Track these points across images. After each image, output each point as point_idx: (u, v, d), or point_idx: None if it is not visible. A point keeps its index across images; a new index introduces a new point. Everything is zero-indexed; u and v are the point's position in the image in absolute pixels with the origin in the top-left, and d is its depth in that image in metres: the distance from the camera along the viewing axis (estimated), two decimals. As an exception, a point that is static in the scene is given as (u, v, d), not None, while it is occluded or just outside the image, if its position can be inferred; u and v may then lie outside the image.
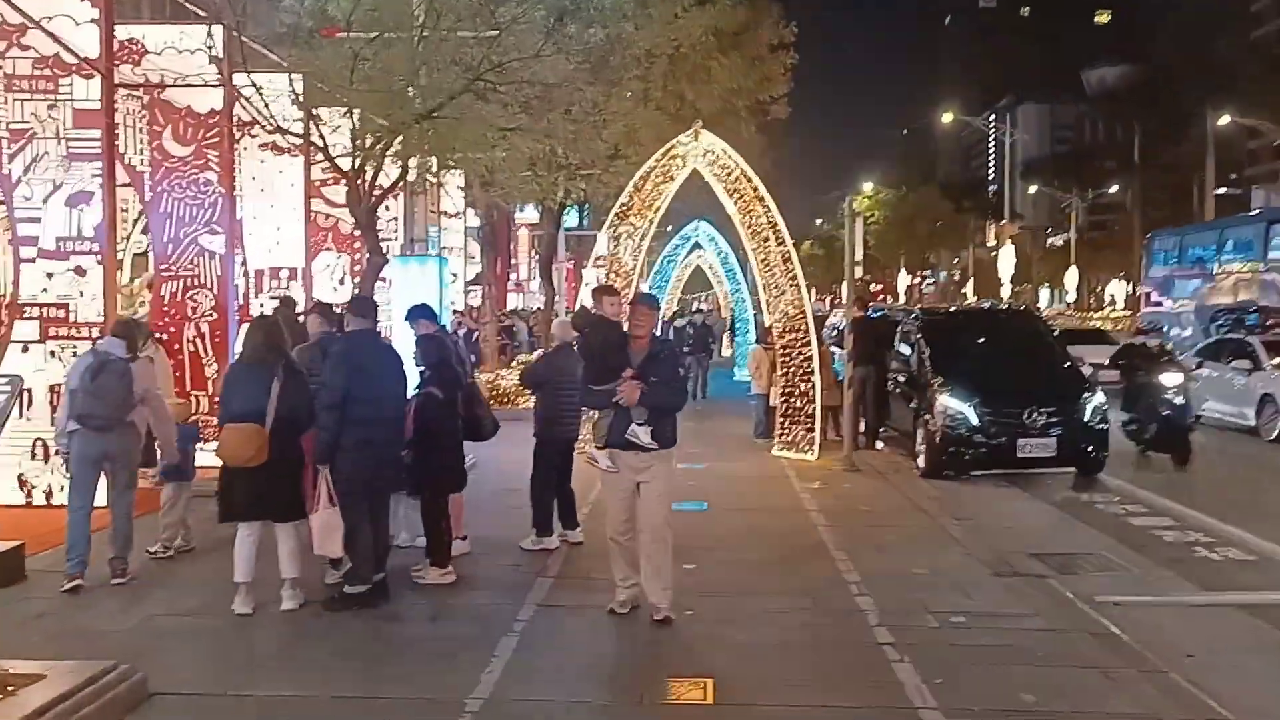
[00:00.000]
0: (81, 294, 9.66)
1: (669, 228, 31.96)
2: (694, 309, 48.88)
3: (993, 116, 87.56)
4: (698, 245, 29.35)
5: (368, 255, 11.02)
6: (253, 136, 12.41)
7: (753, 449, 13.65)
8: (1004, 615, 6.50)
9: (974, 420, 11.65)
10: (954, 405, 11.83)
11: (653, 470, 6.21)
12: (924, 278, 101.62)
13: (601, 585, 7.01)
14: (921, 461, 12.27)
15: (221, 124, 11.72)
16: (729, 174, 13.66)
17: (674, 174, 14.08)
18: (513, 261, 44.68)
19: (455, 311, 18.10)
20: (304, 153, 11.71)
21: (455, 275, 21.78)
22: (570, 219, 42.30)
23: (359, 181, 10.66)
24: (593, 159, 12.20)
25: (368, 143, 10.31)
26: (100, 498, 7.10)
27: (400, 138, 10.31)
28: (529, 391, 9.11)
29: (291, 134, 10.76)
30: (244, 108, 11.16)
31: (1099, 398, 11.99)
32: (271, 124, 10.77)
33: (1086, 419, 11.72)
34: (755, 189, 13.48)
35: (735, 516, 9.41)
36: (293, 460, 6.41)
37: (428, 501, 7.14)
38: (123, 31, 11.36)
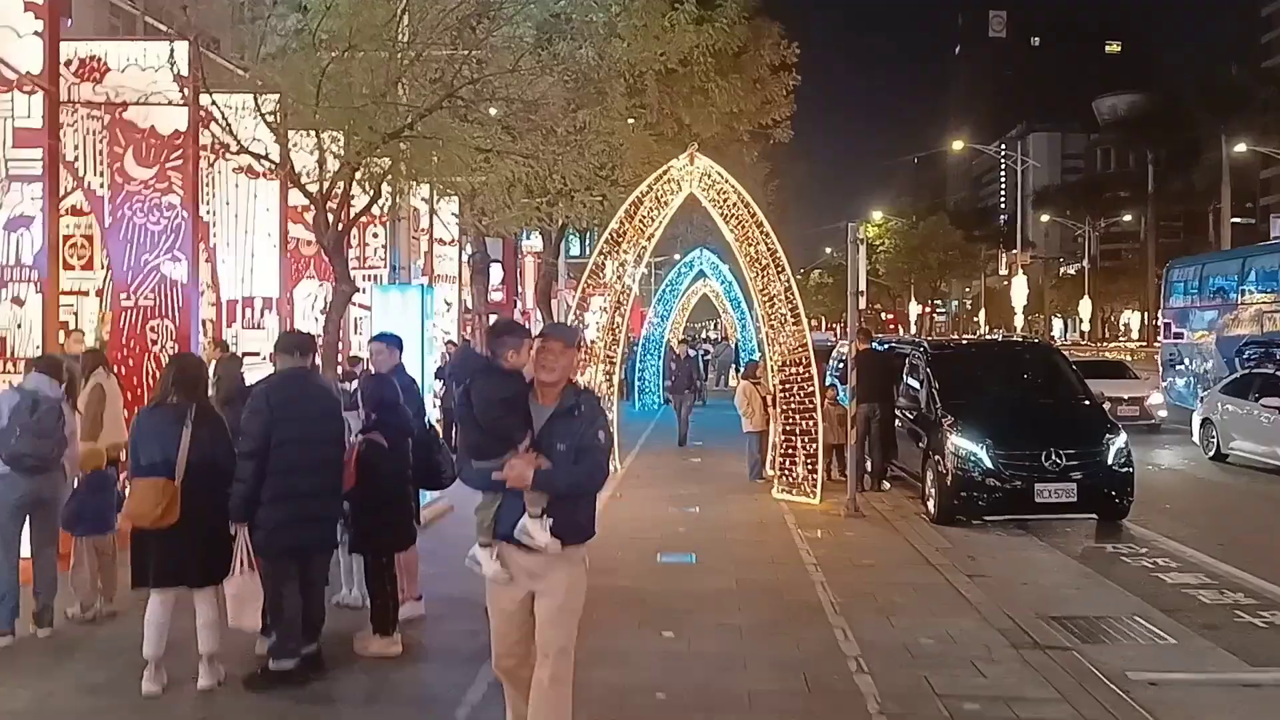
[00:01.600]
0: (20, 325, 8.96)
1: (676, 255, 31.36)
2: (704, 337, 48.30)
3: (1003, 146, 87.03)
4: (702, 273, 28.68)
5: (336, 285, 10.29)
6: (226, 160, 11.75)
7: (751, 491, 12.83)
8: (1023, 700, 5.65)
9: (987, 462, 10.82)
10: (966, 446, 11.01)
11: (553, 579, 4.37)
12: (935, 307, 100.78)
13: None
14: (931, 506, 11.43)
15: (186, 145, 11.08)
16: (725, 199, 12.94)
17: (669, 199, 13.40)
18: (519, 290, 44.14)
19: (448, 342, 17.35)
20: (279, 177, 11.02)
21: (450, 304, 21.10)
22: (574, 247, 41.79)
23: (326, 205, 9.97)
24: (576, 181, 11.44)
25: (332, 164, 9.62)
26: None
27: (367, 159, 9.61)
28: None
29: (256, 155, 10.06)
30: (210, 130, 10.50)
31: (1122, 438, 11.15)
32: (237, 145, 10.11)
33: (1110, 461, 10.88)
34: (754, 215, 12.75)
35: (725, 570, 8.58)
36: (211, 517, 5.64)
37: (370, 562, 6.36)
38: (84, 49, 10.80)
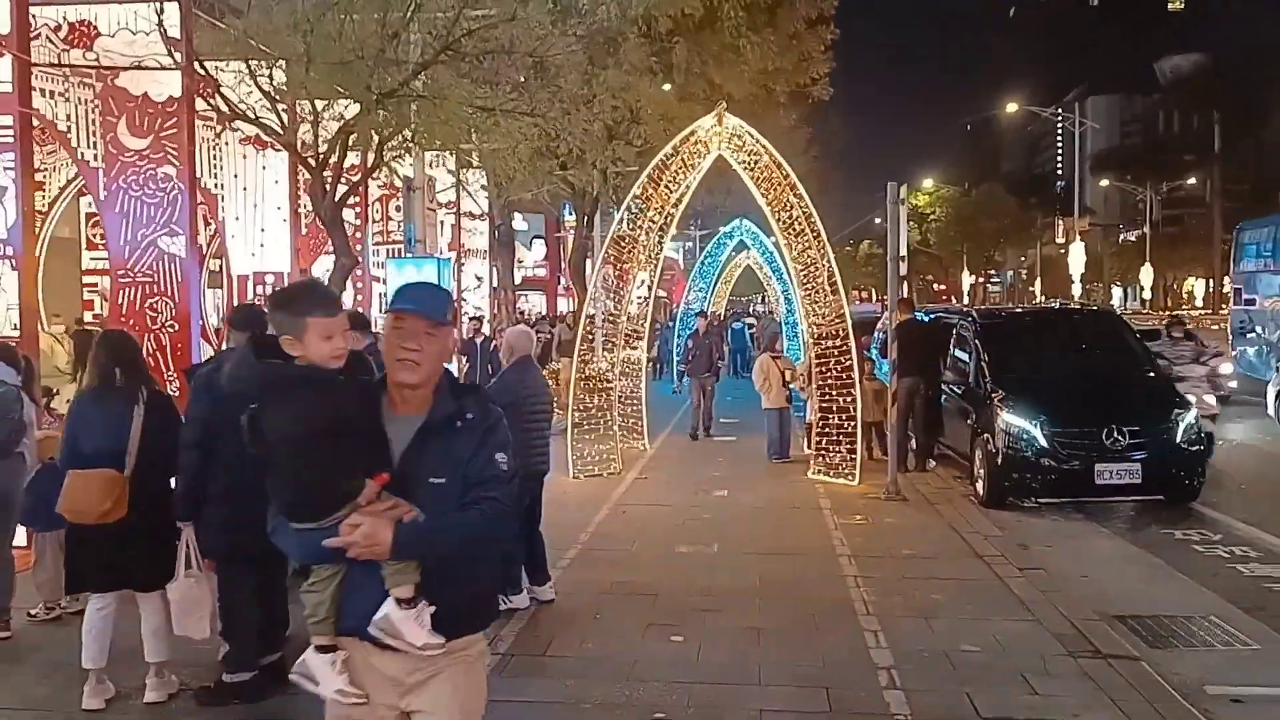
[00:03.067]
0: (-4, 305, 8.47)
1: (721, 229, 30.38)
2: (749, 311, 47.28)
3: (1059, 110, 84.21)
4: (744, 244, 27.78)
5: (334, 257, 9.67)
6: (232, 130, 11.14)
7: (786, 473, 12.03)
8: (1083, 724, 4.86)
9: (1042, 441, 9.91)
10: (1018, 423, 10.12)
11: (436, 693, 2.78)
12: (988, 277, 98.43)
13: (561, 666, 5.57)
14: (980, 488, 10.57)
15: (180, 112, 10.50)
16: (756, 161, 12.10)
17: (696, 162, 12.58)
18: (563, 265, 43.46)
19: (472, 318, 16.74)
20: (288, 147, 10.36)
21: (480, 279, 20.49)
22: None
23: (322, 173, 9.34)
24: (588, 141, 10.63)
25: (330, 128, 8.98)
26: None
27: (362, 119, 8.93)
28: None
29: (246, 118, 9.43)
30: (205, 98, 9.88)
31: (1192, 414, 10.18)
32: (229, 111, 9.51)
33: (1178, 439, 9.91)
34: (787, 177, 11.90)
35: (749, 563, 7.84)
36: (159, 514, 5.03)
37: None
38: (73, 13, 10.25)
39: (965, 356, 12.02)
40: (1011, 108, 50.88)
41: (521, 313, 17.03)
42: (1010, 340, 11.80)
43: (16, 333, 8.25)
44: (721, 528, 8.98)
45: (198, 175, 12.95)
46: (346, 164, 10.28)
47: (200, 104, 10.27)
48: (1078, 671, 5.49)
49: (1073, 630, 6.12)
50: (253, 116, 9.41)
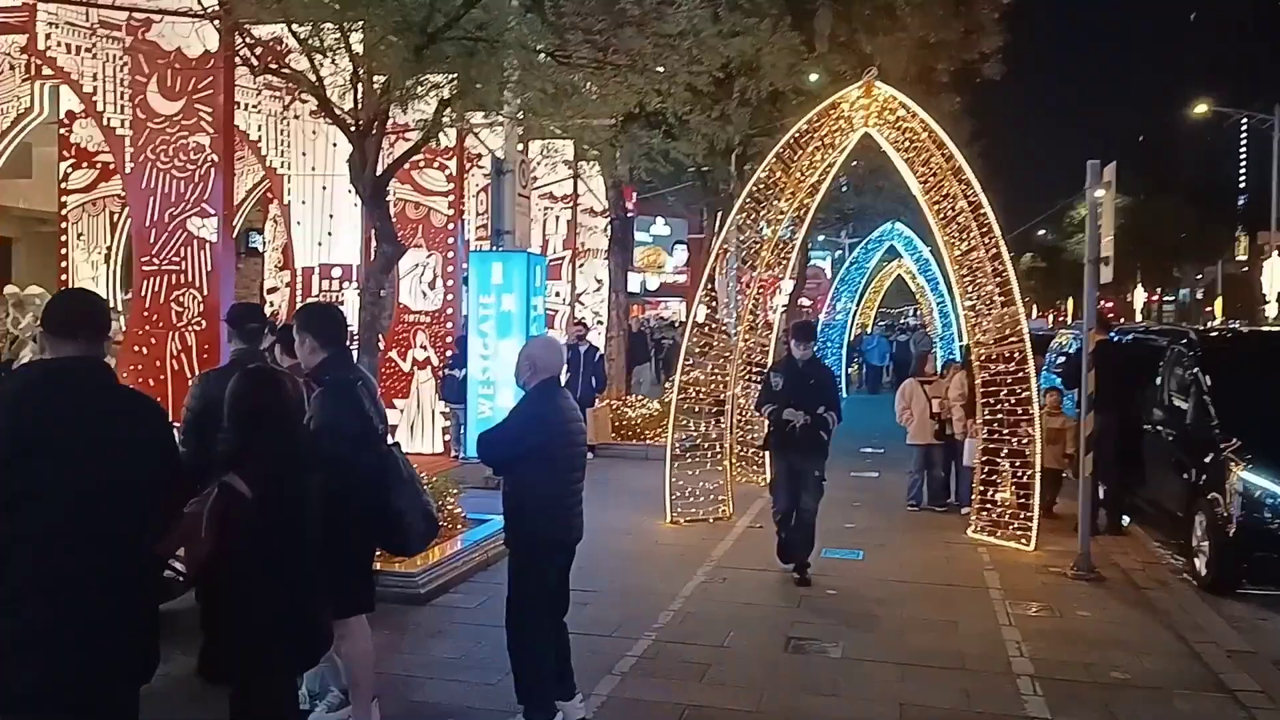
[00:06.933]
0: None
1: (867, 236, 27.61)
2: (900, 324, 43.98)
3: (1244, 121, 76.75)
4: (894, 251, 25.14)
5: (376, 245, 7.85)
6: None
7: (939, 529, 9.59)
8: None
9: (1298, 511, 7.26)
10: (1262, 484, 7.51)
11: None
12: (1162, 295, 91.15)
13: None
14: (1201, 566, 7.96)
15: (216, 69, 8.95)
16: (912, 139, 9.74)
17: (838, 140, 10.29)
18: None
19: (576, 323, 14.84)
20: (322, 103, 8.64)
21: (600, 282, 18.63)
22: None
23: (363, 141, 7.53)
24: (690, 99, 8.46)
25: (358, 79, 7.15)
26: None
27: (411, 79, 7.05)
28: (496, 474, 4.91)
29: (280, 73, 7.70)
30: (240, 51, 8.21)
31: None
32: (260, 66, 7.82)
33: None
34: (949, 159, 9.51)
35: (885, 680, 5.55)
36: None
37: (256, 692, 3.70)
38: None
39: (1180, 390, 9.34)
40: (1200, 108, 46.03)
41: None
42: (1245, 371, 9.02)
43: None
44: (850, 615, 6.70)
45: (263, 153, 11.55)
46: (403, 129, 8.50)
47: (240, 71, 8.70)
48: None
49: None
50: (291, 70, 7.68)
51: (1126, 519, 9.78)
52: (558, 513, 4.65)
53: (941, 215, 9.67)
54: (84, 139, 12.34)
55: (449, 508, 7.98)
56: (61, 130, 12.51)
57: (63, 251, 13.00)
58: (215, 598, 3.58)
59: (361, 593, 4.49)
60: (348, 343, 4.75)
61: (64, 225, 12.91)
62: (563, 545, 4.75)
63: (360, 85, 7.48)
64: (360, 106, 7.54)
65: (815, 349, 8.24)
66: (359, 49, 7.32)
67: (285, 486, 3.62)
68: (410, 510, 4.32)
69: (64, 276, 13.01)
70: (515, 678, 4.66)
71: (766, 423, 8.02)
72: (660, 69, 7.19)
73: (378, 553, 4.79)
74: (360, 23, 6.99)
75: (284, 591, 3.63)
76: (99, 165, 12.38)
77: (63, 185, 12.79)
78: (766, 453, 8.59)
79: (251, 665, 3.61)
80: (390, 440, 4.57)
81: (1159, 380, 9.78)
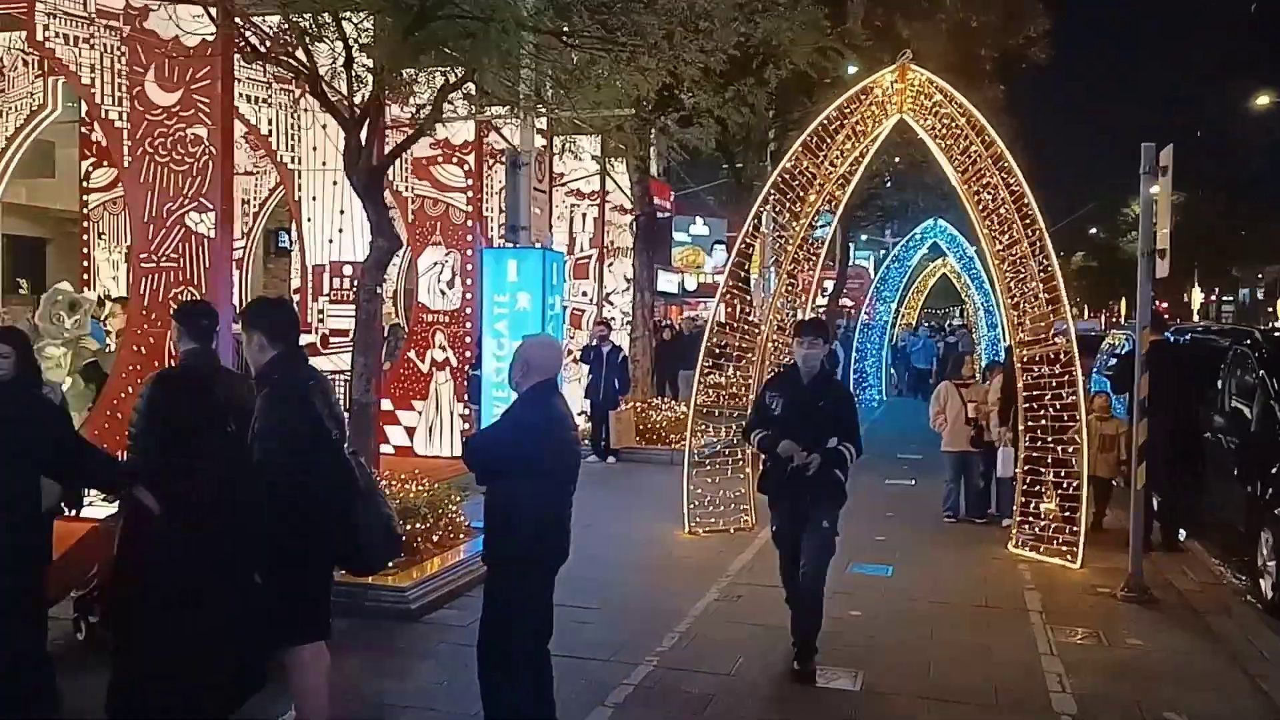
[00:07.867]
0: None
1: (906, 232, 26.79)
2: (947, 325, 42.89)
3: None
4: (938, 249, 24.30)
5: (371, 239, 7.42)
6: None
7: (978, 542, 8.94)
8: None
9: (1378, 530, 6.55)
10: (1336, 499, 6.81)
11: None
12: (1221, 295, 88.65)
13: None
14: (1268, 588, 7.26)
15: (214, 57, 8.58)
16: (950, 125, 9.13)
17: (870, 129, 9.70)
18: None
19: (598, 322, 14.35)
20: (313, 89, 8.21)
21: (630, 281, 18.15)
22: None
23: (359, 130, 7.12)
24: (704, 83, 7.91)
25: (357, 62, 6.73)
26: None
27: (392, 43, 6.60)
28: (480, 483, 4.27)
29: (273, 58, 7.30)
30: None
31: None
32: (253, 49, 7.45)
33: None
34: (990, 146, 8.88)
35: (904, 712, 4.98)
36: None
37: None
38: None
39: (1242, 394, 8.64)
40: (1262, 100, 44.25)
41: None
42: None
43: None
44: (874, 643, 6.10)
45: (273, 148, 11.22)
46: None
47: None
48: None
49: None
50: (286, 57, 7.30)
51: (1183, 534, 9.07)
52: (551, 530, 4.16)
53: (982, 206, 9.05)
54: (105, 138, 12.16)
55: (451, 515, 7.56)
56: (83, 129, 12.35)
57: (84, 250, 12.83)
58: (125, 624, 3.15)
59: (314, 617, 4.03)
60: (299, 340, 4.29)
61: (86, 224, 12.75)
62: (553, 567, 4.25)
63: (352, 69, 7.07)
64: (352, 91, 7.13)
65: (828, 358, 6.26)
66: (350, 30, 6.91)
67: (203, 501, 3.18)
68: (366, 525, 3.87)
69: (85, 275, 12.85)
70: (485, 712, 4.18)
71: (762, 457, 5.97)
72: (669, 48, 6.65)
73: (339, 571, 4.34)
74: (351, 4, 6.55)
75: (202, 618, 3.18)
76: (119, 164, 12.18)
77: (84, 184, 12.64)
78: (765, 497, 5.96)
79: (163, 702, 3.17)
80: (346, 447, 4.12)
81: (1220, 384, 9.07)
